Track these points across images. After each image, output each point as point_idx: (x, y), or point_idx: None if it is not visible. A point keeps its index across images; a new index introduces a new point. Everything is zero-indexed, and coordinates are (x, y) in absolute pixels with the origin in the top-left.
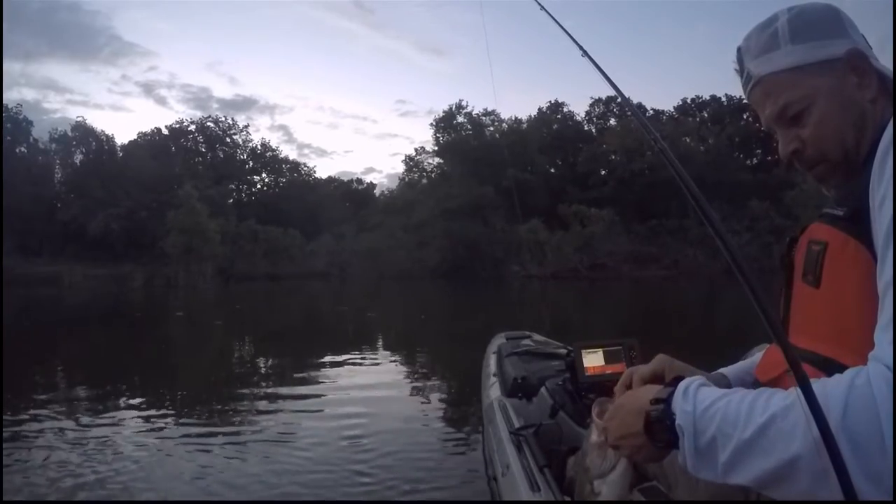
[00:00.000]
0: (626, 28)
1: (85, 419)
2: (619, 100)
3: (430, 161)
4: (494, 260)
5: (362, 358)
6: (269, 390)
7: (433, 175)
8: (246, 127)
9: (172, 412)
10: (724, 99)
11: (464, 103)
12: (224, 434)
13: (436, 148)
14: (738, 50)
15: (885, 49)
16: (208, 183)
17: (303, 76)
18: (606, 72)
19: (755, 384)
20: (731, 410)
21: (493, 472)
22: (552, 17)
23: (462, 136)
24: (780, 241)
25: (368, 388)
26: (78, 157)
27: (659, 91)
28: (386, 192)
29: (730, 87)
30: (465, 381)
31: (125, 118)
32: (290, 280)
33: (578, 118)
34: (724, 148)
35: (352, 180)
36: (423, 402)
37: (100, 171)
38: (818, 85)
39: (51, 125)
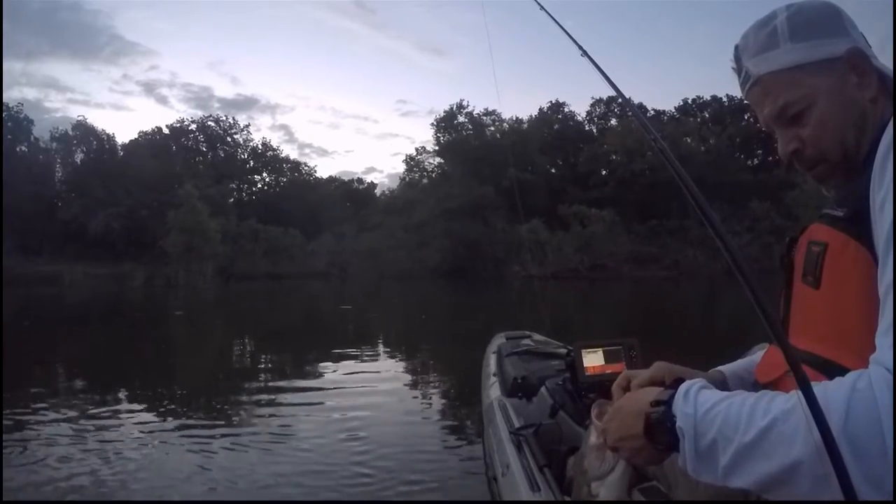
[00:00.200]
0: (626, 28)
1: (85, 418)
2: (619, 100)
3: (431, 161)
4: (495, 260)
5: (363, 357)
6: (269, 390)
7: (434, 175)
8: (247, 126)
9: (173, 410)
10: (724, 99)
11: (465, 103)
12: (224, 431)
13: (436, 148)
14: (736, 48)
15: (885, 49)
16: (209, 182)
17: (304, 76)
18: (607, 72)
19: (755, 385)
20: (732, 413)
21: (493, 472)
22: (551, 16)
23: (463, 135)
24: (781, 241)
25: (368, 388)
26: (79, 157)
27: (660, 91)
28: (387, 192)
29: (731, 87)
30: (465, 381)
31: (126, 117)
32: (291, 279)
33: (579, 118)
34: (725, 148)
35: (353, 180)
36: (423, 402)
37: (100, 171)
38: (818, 84)
39: (52, 124)
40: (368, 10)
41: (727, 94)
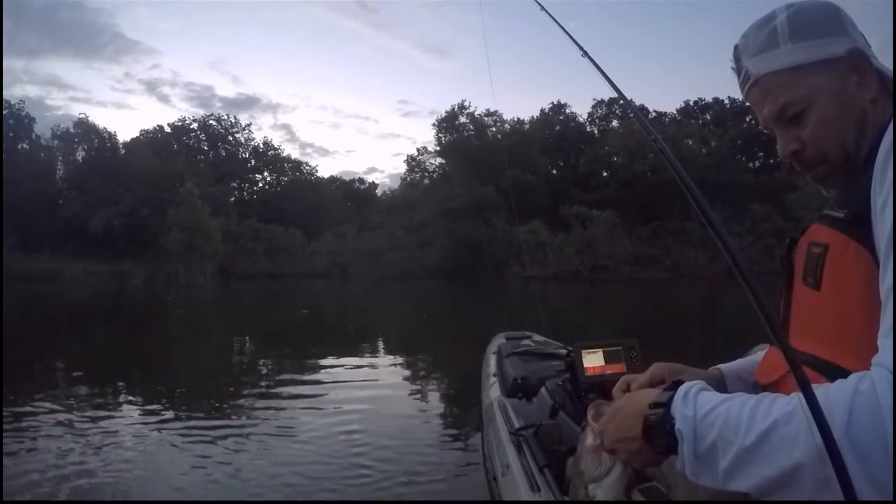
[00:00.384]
0: (628, 29)
1: (85, 417)
2: (620, 101)
3: (432, 161)
4: (496, 260)
5: (362, 357)
6: (268, 388)
7: (435, 175)
8: (248, 125)
9: (172, 408)
10: (726, 101)
11: (466, 103)
12: (224, 428)
13: (438, 148)
14: (736, 48)
15: (887, 50)
16: (210, 181)
17: (306, 75)
18: (608, 73)
19: (755, 385)
20: (732, 416)
21: (493, 472)
22: (552, 17)
23: (464, 136)
24: (782, 243)
25: (368, 387)
26: (80, 154)
27: (662, 93)
28: (388, 192)
29: (732, 89)
30: (465, 381)
31: (128, 116)
32: (291, 279)
33: (581, 119)
34: (727, 150)
35: (354, 180)
36: (423, 402)
37: (102, 168)
38: (818, 85)
39: (53, 122)
40: (371, 9)
41: (729, 96)
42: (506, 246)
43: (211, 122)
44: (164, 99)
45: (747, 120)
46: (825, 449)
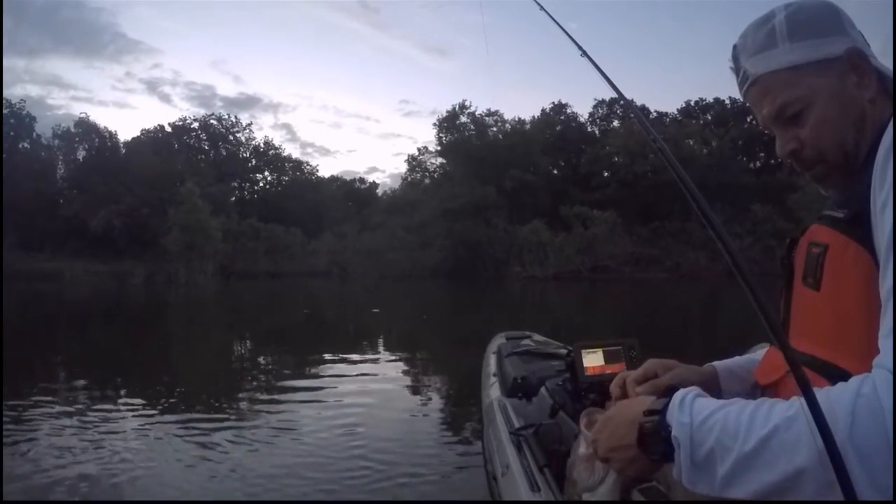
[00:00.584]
0: (629, 30)
1: (85, 416)
2: (621, 101)
3: (433, 161)
4: (496, 260)
5: (363, 356)
6: (268, 387)
7: (436, 175)
8: (249, 125)
9: (173, 407)
10: (727, 101)
11: (467, 103)
12: (225, 426)
13: (438, 148)
14: (734, 48)
15: (887, 50)
16: (210, 180)
17: (307, 75)
18: (608, 73)
19: (754, 386)
20: (730, 422)
21: (493, 472)
22: (551, 17)
23: (465, 136)
24: (783, 244)
25: (368, 387)
26: (80, 154)
27: (662, 93)
28: (388, 192)
29: (733, 89)
30: (465, 381)
31: (129, 115)
32: (291, 278)
33: (582, 119)
34: (728, 151)
35: (354, 179)
36: (423, 402)
37: (102, 168)
38: (817, 84)
39: (54, 121)
40: (372, 9)
41: (730, 97)
42: (506, 246)
43: (212, 121)
44: (165, 98)
45: (748, 120)
46: (827, 453)
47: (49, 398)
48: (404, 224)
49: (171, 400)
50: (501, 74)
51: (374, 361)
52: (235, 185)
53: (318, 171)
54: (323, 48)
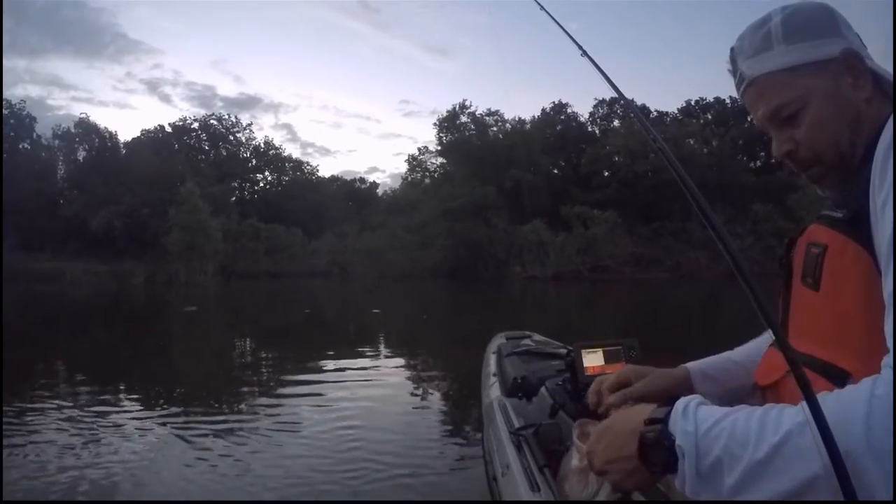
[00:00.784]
0: (629, 30)
1: (86, 416)
2: (621, 101)
3: (434, 161)
4: (496, 260)
5: (364, 356)
6: (267, 387)
7: (436, 175)
8: (249, 125)
9: (174, 407)
10: (728, 101)
11: (467, 103)
12: (225, 426)
13: (439, 148)
14: (732, 50)
15: (888, 51)
16: (211, 180)
17: (307, 75)
18: (609, 72)
19: (753, 386)
20: (738, 429)
21: (493, 472)
22: (551, 16)
23: (465, 136)
24: (783, 244)
25: (368, 387)
26: (81, 154)
27: (663, 93)
28: (389, 192)
29: (733, 89)
30: (465, 381)
31: (129, 115)
32: (292, 278)
33: (582, 119)
34: (728, 150)
35: (355, 179)
36: (423, 402)
37: (102, 168)
38: (812, 85)
39: (55, 122)
40: (372, 9)
41: (730, 96)
42: (506, 246)
43: (212, 121)
44: (166, 99)
45: (749, 120)
46: (847, 456)
47: (49, 398)
48: (404, 224)
49: (172, 400)
50: (502, 74)
51: (375, 361)
52: (236, 185)
53: (318, 171)
54: (323, 48)
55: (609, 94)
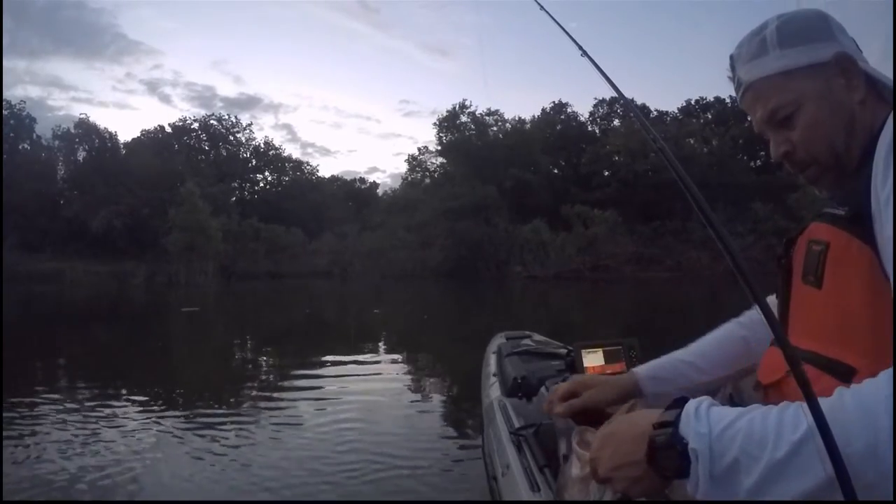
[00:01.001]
0: (630, 29)
1: (86, 416)
2: (621, 101)
3: (434, 161)
4: (497, 260)
5: (364, 356)
6: (267, 387)
7: (436, 175)
8: (249, 125)
9: (175, 407)
10: (728, 100)
11: (467, 103)
12: (224, 426)
13: (439, 148)
14: (731, 57)
15: (888, 52)
16: (211, 181)
17: (307, 75)
18: (609, 72)
19: (755, 388)
20: (755, 429)
21: (493, 472)
22: (551, 16)
23: (465, 135)
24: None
25: (369, 386)
26: (81, 155)
27: (663, 92)
28: (389, 192)
29: (734, 89)
30: (465, 381)
31: (129, 116)
32: (292, 278)
33: (582, 119)
34: (728, 150)
35: (355, 179)
36: (423, 402)
37: (102, 169)
38: (806, 88)
39: (55, 122)
40: (372, 9)
41: (730, 96)
42: (507, 246)
43: (212, 121)
44: (166, 99)
45: (749, 119)
46: (875, 451)
47: (49, 398)
48: (405, 224)
49: (173, 399)
50: (502, 74)
51: (375, 361)
52: (236, 185)
53: (318, 171)
54: (323, 48)
55: (609, 93)
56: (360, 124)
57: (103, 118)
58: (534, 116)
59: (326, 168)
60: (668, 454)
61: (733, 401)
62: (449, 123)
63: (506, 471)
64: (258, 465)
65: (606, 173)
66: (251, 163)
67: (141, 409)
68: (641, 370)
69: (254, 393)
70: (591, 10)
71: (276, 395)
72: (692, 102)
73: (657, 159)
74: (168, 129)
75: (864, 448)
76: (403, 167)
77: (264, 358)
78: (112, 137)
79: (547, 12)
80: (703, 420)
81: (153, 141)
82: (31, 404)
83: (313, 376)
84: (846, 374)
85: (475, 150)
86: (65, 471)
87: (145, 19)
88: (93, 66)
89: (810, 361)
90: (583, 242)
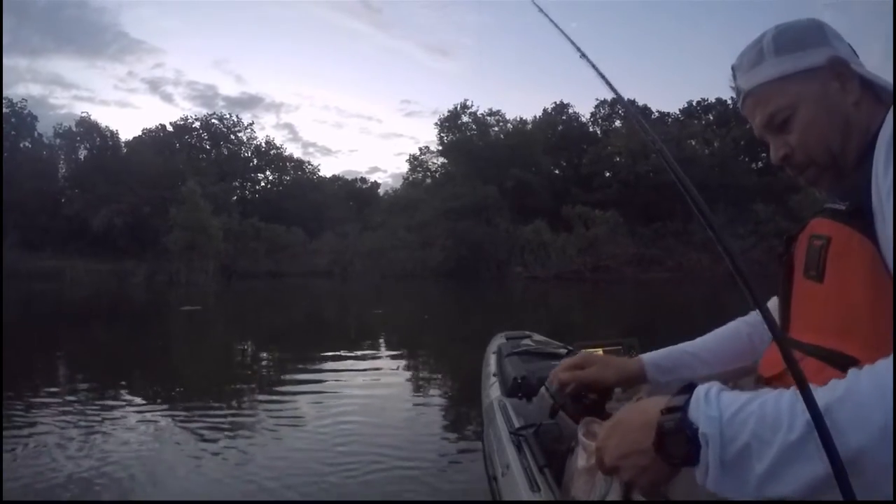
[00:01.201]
0: (630, 30)
1: (86, 415)
2: (621, 101)
3: (435, 161)
4: (498, 260)
5: (365, 356)
6: (267, 387)
7: (437, 175)
8: (251, 125)
9: (176, 406)
10: (729, 102)
11: (469, 103)
12: (224, 426)
13: (440, 148)
14: (732, 68)
15: (889, 53)
16: (212, 180)
17: (309, 75)
18: (610, 74)
19: (756, 381)
20: (768, 412)
21: (493, 472)
22: (548, 17)
23: (466, 136)
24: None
25: (369, 386)
26: (82, 153)
27: (664, 93)
28: (390, 192)
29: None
30: (465, 381)
31: (130, 115)
32: (293, 278)
33: (583, 119)
34: (730, 151)
35: (356, 179)
36: (423, 402)
37: (103, 167)
38: (801, 92)
39: (56, 121)
40: (374, 9)
41: (731, 97)
42: (508, 246)
43: (213, 121)
44: (167, 98)
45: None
46: (892, 428)
47: (50, 397)
48: (406, 224)
49: (173, 398)
50: (503, 74)
51: (375, 361)
52: (237, 184)
53: (319, 170)
54: (325, 48)
55: (610, 94)
56: (361, 124)
57: (105, 117)
58: (535, 117)
59: (328, 168)
60: (677, 440)
61: None
62: (450, 123)
63: (506, 471)
64: (258, 463)
65: (608, 174)
66: (252, 162)
67: (141, 407)
68: (647, 357)
69: (254, 391)
70: (592, 9)
71: (276, 394)
72: (693, 104)
73: (658, 160)
74: (169, 128)
75: (882, 425)
76: (404, 167)
77: (264, 358)
78: (113, 136)
79: (545, 14)
80: (714, 404)
81: (154, 140)
82: (32, 403)
83: (313, 375)
84: (848, 366)
85: (476, 151)
86: (64, 470)
87: (147, 18)
88: (94, 65)
89: (813, 354)
90: (583, 243)
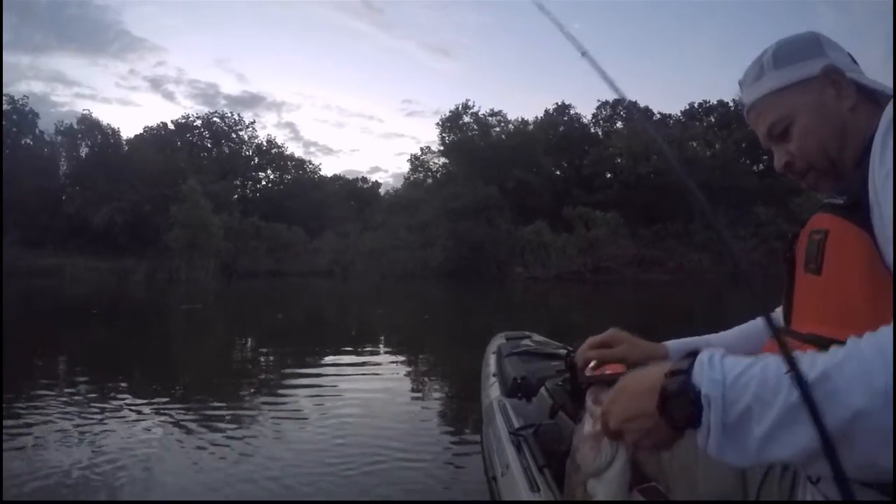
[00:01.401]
0: (633, 31)
1: (86, 414)
2: (623, 102)
3: (436, 161)
4: (498, 261)
5: (365, 356)
6: (267, 386)
7: (438, 175)
8: (252, 123)
9: (176, 405)
10: (731, 104)
11: (470, 103)
12: (224, 425)
13: (441, 148)
14: (739, 84)
15: (888, 53)
16: (213, 178)
17: (311, 74)
18: (612, 74)
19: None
20: (770, 374)
21: (493, 472)
22: (549, 17)
23: (468, 136)
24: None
25: (369, 386)
26: (83, 151)
27: (666, 95)
28: (391, 192)
29: (736, 92)
30: (465, 381)
31: (132, 112)
32: (293, 277)
33: (585, 120)
34: (731, 153)
35: (357, 179)
36: (423, 402)
37: (105, 165)
38: (799, 102)
39: (58, 118)
40: (376, 9)
41: (734, 99)
42: (508, 246)
43: (215, 119)
44: (169, 96)
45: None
46: (891, 391)
47: (50, 396)
48: (406, 224)
49: (173, 395)
50: (504, 74)
51: (375, 361)
52: (238, 183)
53: (320, 170)
54: (327, 47)
55: (612, 95)
56: (362, 124)
57: (106, 114)
58: (536, 117)
59: (329, 167)
60: (680, 402)
61: None
62: (452, 123)
63: (505, 471)
64: (257, 463)
65: (608, 175)
66: (253, 161)
67: (141, 406)
68: (672, 343)
69: (253, 391)
70: (595, 10)
71: (275, 394)
72: (695, 105)
73: (659, 162)
74: (171, 126)
75: (884, 388)
76: (406, 167)
77: (264, 357)
78: (115, 134)
79: (547, 14)
80: (717, 368)
81: (156, 137)
82: (32, 402)
83: (313, 376)
84: None
85: (478, 151)
86: (64, 469)
87: (149, 16)
88: (96, 63)
89: (813, 343)
90: (584, 244)
